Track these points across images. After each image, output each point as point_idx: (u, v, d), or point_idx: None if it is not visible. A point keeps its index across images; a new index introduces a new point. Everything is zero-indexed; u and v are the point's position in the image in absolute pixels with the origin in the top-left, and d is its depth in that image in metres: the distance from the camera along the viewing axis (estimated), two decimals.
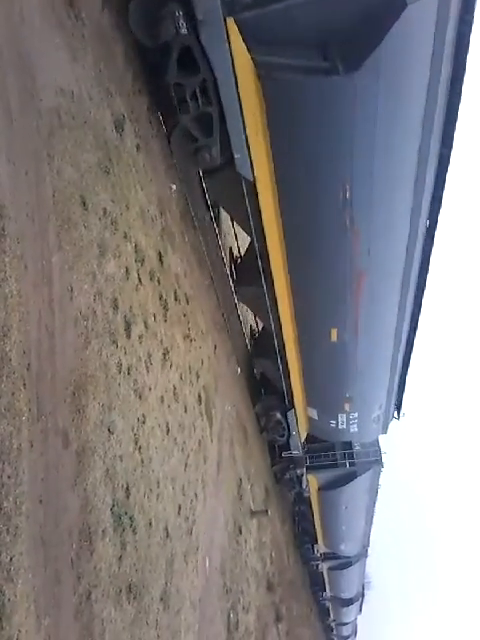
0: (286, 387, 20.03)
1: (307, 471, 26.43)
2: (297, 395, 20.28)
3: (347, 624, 54.11)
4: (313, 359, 17.83)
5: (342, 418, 20.31)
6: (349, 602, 44.99)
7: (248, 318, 22.31)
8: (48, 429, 6.54)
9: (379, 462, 26.51)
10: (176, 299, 12.69)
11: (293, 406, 21.21)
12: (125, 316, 9.20)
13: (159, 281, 11.35)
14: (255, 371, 23.21)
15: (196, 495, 12.84)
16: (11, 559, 5.59)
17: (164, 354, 11.37)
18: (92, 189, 8.32)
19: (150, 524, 9.51)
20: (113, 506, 8.03)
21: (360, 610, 52.06)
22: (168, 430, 11.17)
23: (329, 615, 50.90)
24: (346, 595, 43.33)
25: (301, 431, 22.81)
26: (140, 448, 9.40)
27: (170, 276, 12.34)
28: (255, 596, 19.18)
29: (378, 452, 26.46)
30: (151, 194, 11.51)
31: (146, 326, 10.32)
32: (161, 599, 9.71)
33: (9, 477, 5.66)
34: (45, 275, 6.73)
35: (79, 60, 8.56)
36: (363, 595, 48.27)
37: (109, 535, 7.83)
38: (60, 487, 6.72)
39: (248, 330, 22.93)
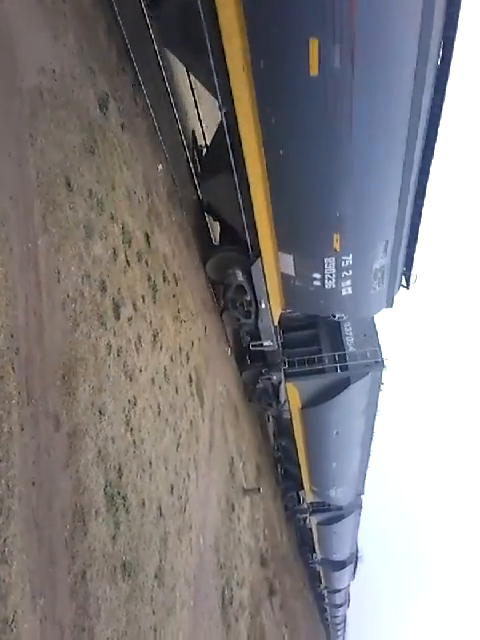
0: (247, 221, 13.60)
1: (286, 379, 20.56)
2: (264, 236, 13.88)
3: (340, 591, 50.38)
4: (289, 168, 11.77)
5: (330, 268, 13.56)
6: (341, 565, 41.81)
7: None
8: (39, 412, 6.55)
9: (380, 363, 19.75)
10: (165, 280, 12.64)
11: (259, 255, 14.57)
12: (113, 298, 9.17)
13: (147, 262, 11.29)
14: (202, 198, 16.59)
15: (188, 474, 12.96)
16: (5, 541, 5.64)
17: (154, 336, 11.37)
18: (77, 170, 8.22)
19: (143, 504, 9.61)
20: (106, 487, 8.10)
21: (354, 576, 49.01)
22: (159, 411, 11.22)
23: (320, 582, 48.32)
24: (338, 557, 40.15)
25: (274, 307, 16.50)
26: (132, 429, 9.45)
27: (158, 257, 12.28)
28: (249, 572, 19.52)
29: (378, 351, 19.99)
30: (137, 174, 11.39)
31: (135, 308, 10.29)
32: (156, 576, 9.85)
33: (0, 460, 5.69)
34: (31, 258, 6.68)
35: (60, 38, 8.39)
36: (357, 557, 45.37)
37: (102, 515, 7.91)
38: (52, 469, 6.76)
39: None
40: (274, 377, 21.03)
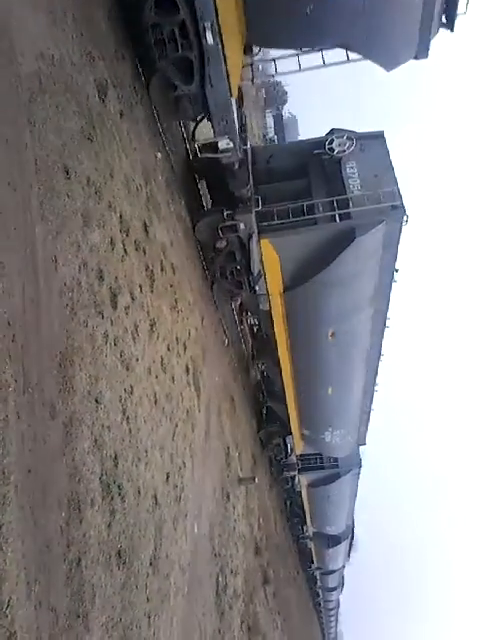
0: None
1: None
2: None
3: (333, 572, 46.59)
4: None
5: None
6: (336, 541, 37.77)
7: None
8: (35, 400, 6.55)
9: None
10: (162, 270, 12.62)
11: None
12: (111, 287, 9.15)
13: (145, 251, 11.26)
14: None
15: (184, 463, 13.02)
16: (0, 528, 5.66)
17: (151, 325, 11.36)
18: (75, 157, 8.16)
19: (139, 492, 9.64)
20: (102, 475, 8.12)
21: (349, 556, 45.88)
22: (156, 400, 11.24)
23: (312, 562, 44.90)
24: (332, 530, 36.51)
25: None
26: (128, 418, 9.46)
27: (156, 246, 12.25)
28: (243, 560, 19.67)
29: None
30: (136, 162, 11.33)
31: (132, 297, 10.27)
32: (150, 564, 9.91)
33: None
34: (28, 245, 6.65)
35: (59, 24, 8.31)
36: (353, 533, 40.98)
37: (98, 503, 7.94)
38: (48, 457, 6.77)
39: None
40: (242, 225, 14.41)
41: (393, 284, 16.31)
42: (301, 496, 32.91)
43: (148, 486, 10.20)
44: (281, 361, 19.70)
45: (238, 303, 21.14)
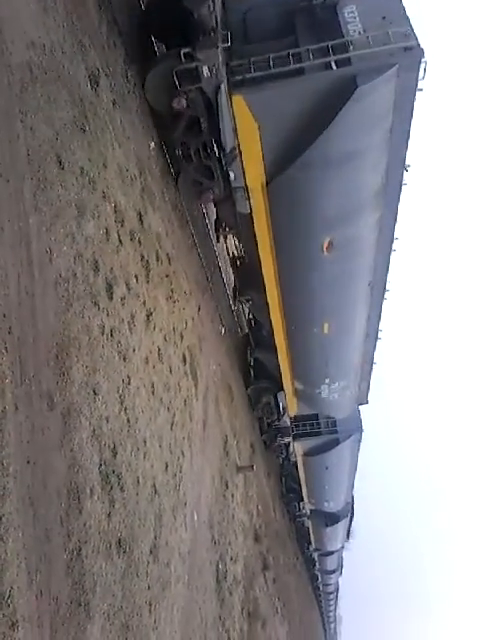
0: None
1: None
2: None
3: (332, 554, 44.24)
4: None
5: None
6: (334, 519, 35.08)
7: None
8: (32, 392, 6.56)
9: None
10: (158, 260, 12.59)
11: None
12: (106, 278, 9.13)
13: (140, 241, 11.22)
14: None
15: (183, 452, 13.08)
16: (0, 518, 5.70)
17: (147, 315, 11.36)
18: (68, 147, 8.11)
19: (138, 481, 9.70)
20: (100, 465, 8.16)
21: (348, 536, 42.98)
22: (153, 390, 11.27)
23: (309, 543, 42.44)
24: (330, 507, 33.43)
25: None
26: (126, 408, 9.49)
27: (151, 236, 12.21)
28: (242, 547, 19.83)
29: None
30: (129, 152, 11.26)
31: (128, 287, 10.26)
32: (151, 552, 10.00)
33: None
34: (23, 237, 6.63)
35: (50, 12, 8.21)
36: (352, 510, 37.80)
37: (97, 493, 7.98)
38: (47, 448, 6.80)
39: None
40: (205, 69, 10.79)
41: (405, 177, 12.94)
42: (296, 468, 29.98)
43: (147, 476, 10.25)
44: (267, 289, 16.02)
45: (215, 220, 16.96)
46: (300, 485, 31.38)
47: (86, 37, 9.46)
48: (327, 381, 20.15)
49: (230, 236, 18.49)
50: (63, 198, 7.75)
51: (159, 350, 12.00)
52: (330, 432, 25.66)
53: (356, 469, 29.94)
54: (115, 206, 9.90)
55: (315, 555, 45.44)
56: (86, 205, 8.52)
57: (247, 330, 24.37)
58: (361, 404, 23.90)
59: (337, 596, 66.90)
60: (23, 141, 6.92)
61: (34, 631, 6.24)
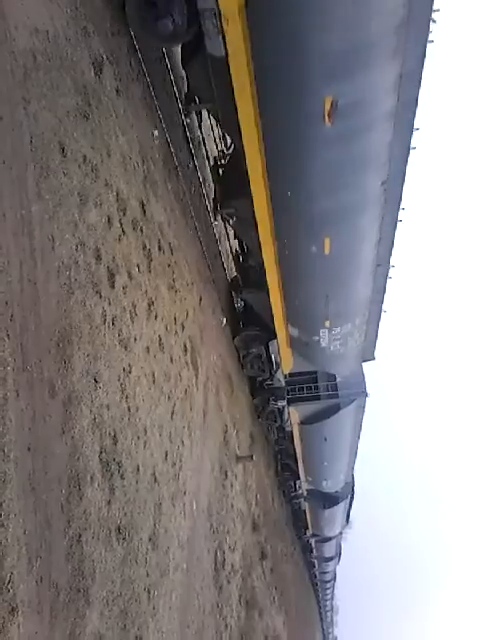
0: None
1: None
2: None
3: (330, 540, 41.11)
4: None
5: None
6: (333, 501, 32.08)
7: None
8: (34, 379, 6.59)
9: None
10: (160, 249, 12.58)
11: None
12: (108, 266, 9.13)
13: (142, 231, 11.21)
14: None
15: (183, 442, 13.14)
16: (1, 505, 5.74)
17: (149, 305, 11.37)
18: (71, 135, 8.08)
19: (138, 470, 9.76)
20: (101, 453, 8.21)
21: (348, 520, 39.70)
22: (154, 380, 11.31)
23: (307, 528, 39.41)
24: (329, 486, 30.57)
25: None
26: (127, 397, 9.53)
27: (153, 225, 12.19)
28: (241, 536, 19.98)
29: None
30: (132, 140, 11.22)
31: (130, 276, 10.26)
32: (150, 540, 10.07)
33: None
34: (25, 225, 6.62)
35: None
36: (353, 491, 34.36)
37: (98, 481, 8.04)
38: (48, 435, 6.84)
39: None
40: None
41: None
42: (292, 440, 26.57)
43: (147, 464, 10.31)
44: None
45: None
46: (296, 460, 28.55)
47: (90, 24, 9.40)
48: (327, 324, 16.58)
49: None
50: (66, 186, 7.73)
51: (160, 340, 12.03)
52: (330, 396, 22.52)
53: (359, 441, 26.61)
54: (117, 195, 9.88)
55: (312, 541, 42.53)
56: (89, 193, 8.51)
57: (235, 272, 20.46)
58: (366, 360, 20.41)
59: (334, 585, 65.91)
60: (26, 128, 6.90)
61: (34, 616, 6.31)
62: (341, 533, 41.97)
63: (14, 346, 6.22)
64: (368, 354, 19.62)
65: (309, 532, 39.82)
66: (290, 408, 23.51)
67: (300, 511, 37.75)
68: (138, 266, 10.81)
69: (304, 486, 31.95)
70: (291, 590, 38.60)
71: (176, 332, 13.62)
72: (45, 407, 6.80)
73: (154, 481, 10.63)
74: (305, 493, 32.73)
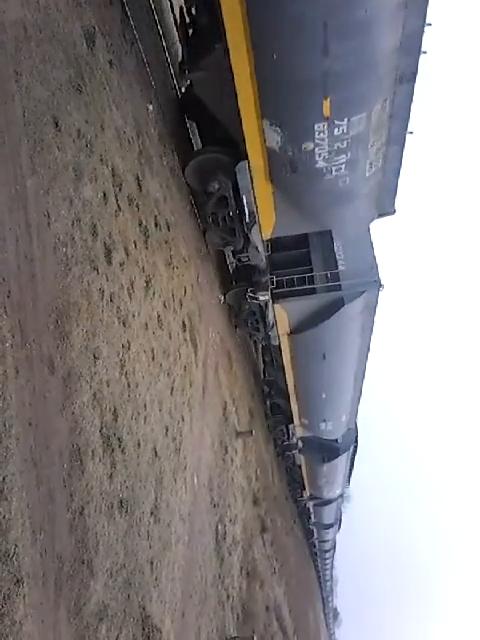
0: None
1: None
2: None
3: (330, 503, 36.46)
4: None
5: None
6: (333, 453, 27.33)
7: None
8: (33, 356, 6.61)
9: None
10: (157, 225, 12.51)
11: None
12: (105, 242, 9.09)
13: (138, 207, 11.13)
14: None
15: (183, 417, 13.24)
16: (4, 479, 5.81)
17: (147, 282, 11.35)
18: (64, 109, 7.97)
19: (138, 445, 9.85)
20: (102, 428, 8.28)
21: (348, 481, 35.24)
22: (153, 356, 11.34)
23: (303, 488, 35.15)
24: (328, 431, 25.97)
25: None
26: (126, 373, 9.57)
27: (149, 201, 12.10)
28: (242, 509, 20.27)
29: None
30: (127, 114, 11.07)
31: (127, 253, 10.22)
32: (152, 513, 10.22)
33: None
34: (20, 200, 6.57)
35: None
36: (357, 439, 29.45)
37: (99, 455, 8.12)
38: (48, 411, 6.88)
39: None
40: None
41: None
42: (281, 362, 21.35)
43: (148, 439, 10.40)
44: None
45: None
46: (287, 393, 23.14)
47: None
48: (326, 110, 11.11)
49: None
50: (60, 161, 7.65)
51: (158, 316, 12.03)
52: (329, 288, 17.24)
53: (367, 361, 20.74)
54: (113, 170, 9.79)
55: (310, 505, 37.10)
56: (83, 168, 8.43)
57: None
58: (384, 215, 14.88)
59: (334, 554, 65.10)
60: (19, 102, 6.80)
61: (39, 587, 6.42)
62: (342, 496, 36.98)
63: (12, 323, 6.23)
64: (386, 204, 14.41)
65: (306, 494, 35.03)
66: (276, 307, 18.30)
67: (295, 468, 32.27)
68: (135, 242, 10.76)
69: (298, 432, 26.72)
70: (291, 561, 39.31)
71: (174, 309, 13.62)
72: (45, 383, 6.83)
73: (155, 456, 10.74)
74: (300, 443, 27.71)
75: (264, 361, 25.80)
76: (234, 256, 18.35)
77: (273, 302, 18.32)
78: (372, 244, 17.78)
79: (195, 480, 13.92)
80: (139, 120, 11.86)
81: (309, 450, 28.21)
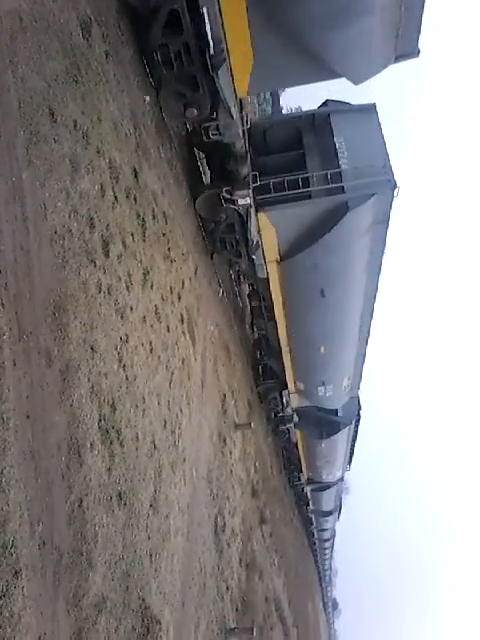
0: None
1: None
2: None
3: (329, 488, 33.78)
4: None
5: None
6: (333, 427, 24.24)
7: None
8: (30, 348, 6.59)
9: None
10: (154, 218, 12.46)
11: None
12: (102, 235, 9.05)
13: (135, 199, 11.08)
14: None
15: (181, 410, 13.25)
16: (2, 471, 5.80)
17: (144, 274, 11.32)
18: (60, 100, 7.91)
19: (137, 437, 9.85)
20: (100, 421, 8.27)
21: (349, 463, 32.03)
22: (152, 349, 11.33)
23: (300, 470, 32.56)
24: (328, 400, 22.63)
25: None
26: (124, 366, 9.56)
27: (147, 194, 12.05)
28: (240, 501, 20.32)
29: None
30: (124, 106, 11.00)
31: (125, 246, 10.19)
32: (151, 505, 10.24)
33: None
34: (16, 192, 6.53)
35: None
36: (359, 411, 25.33)
37: (97, 448, 8.12)
38: (46, 404, 6.87)
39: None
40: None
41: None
42: (269, 298, 18.03)
43: (146, 432, 10.41)
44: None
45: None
46: (278, 346, 19.58)
47: None
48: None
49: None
50: (57, 152, 7.61)
51: (156, 309, 12.01)
52: (330, 191, 13.99)
53: (377, 290, 17.05)
54: (110, 161, 9.74)
55: (308, 489, 33.98)
56: (80, 160, 8.38)
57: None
58: (402, 58, 11.55)
59: (333, 543, 63.21)
60: (14, 93, 6.75)
61: (37, 579, 6.43)
62: (342, 479, 33.31)
63: (10, 316, 6.21)
64: (407, 45, 11.15)
65: (304, 477, 31.81)
66: (262, 218, 14.81)
67: (291, 446, 28.40)
68: (132, 235, 10.72)
69: (294, 401, 23.16)
70: (290, 552, 39.49)
71: (172, 302, 13.60)
72: (43, 376, 6.82)
73: (154, 448, 10.75)
74: (295, 417, 24.32)
75: (252, 310, 21.15)
76: (200, 128, 13.12)
77: (257, 211, 14.55)
78: (383, 138, 14.20)
79: (194, 472, 13.95)
80: (136, 112, 11.79)
81: (306, 424, 24.76)
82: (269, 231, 15.10)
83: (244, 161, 14.22)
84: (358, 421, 25.65)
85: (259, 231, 15.36)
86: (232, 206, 14.78)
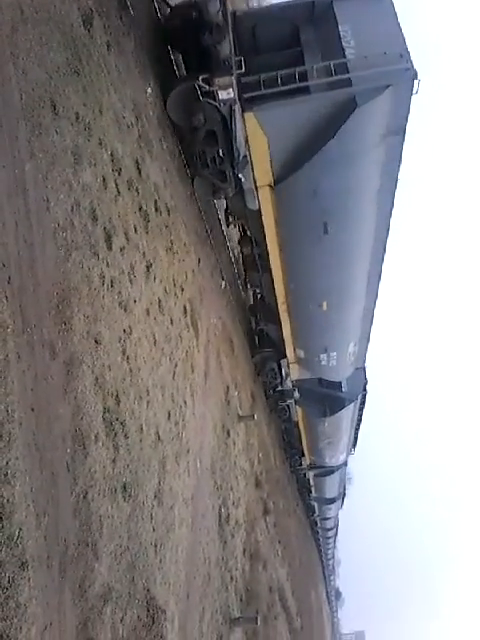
0: None
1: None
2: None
3: (332, 473, 31.46)
4: None
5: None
6: (338, 404, 21.98)
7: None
8: (34, 341, 6.61)
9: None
10: (157, 210, 12.44)
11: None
12: (105, 227, 9.05)
13: (138, 191, 11.06)
14: None
15: (185, 402, 13.29)
16: (7, 463, 5.84)
17: (147, 267, 11.32)
18: (62, 92, 7.88)
19: (141, 429, 9.89)
20: (104, 413, 8.31)
21: (354, 444, 29.73)
22: (155, 341, 11.35)
23: (302, 454, 30.69)
24: (331, 370, 20.29)
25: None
26: (128, 358, 9.58)
27: (149, 186, 12.02)
28: (244, 492, 20.42)
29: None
30: (126, 98, 10.95)
31: (127, 238, 10.18)
32: (155, 497, 10.30)
33: None
34: (19, 185, 6.53)
35: None
36: (364, 394, 23.07)
37: (102, 440, 8.16)
38: (51, 396, 6.90)
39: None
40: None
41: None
42: (267, 256, 15.93)
43: (150, 423, 10.45)
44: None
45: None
46: (275, 303, 17.23)
47: None
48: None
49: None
50: (59, 145, 7.59)
51: (160, 301, 12.02)
52: (333, 85, 11.65)
53: (390, 219, 14.14)
54: (112, 154, 9.71)
55: (310, 475, 32.02)
56: (82, 152, 8.36)
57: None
58: None
59: (337, 533, 62.57)
60: (16, 85, 6.72)
61: (43, 570, 6.49)
62: (346, 464, 30.96)
63: (13, 308, 6.22)
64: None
65: (306, 461, 29.80)
66: (249, 120, 12.09)
67: (291, 426, 26.19)
68: (135, 227, 10.71)
69: (293, 373, 20.77)
70: (294, 542, 39.69)
71: (176, 294, 13.61)
72: (47, 368, 6.84)
73: (158, 440, 10.80)
74: (296, 392, 22.10)
75: (244, 260, 18.48)
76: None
77: (243, 111, 11.79)
78: (399, 24, 11.61)
79: (198, 464, 14.01)
80: (138, 103, 11.74)
81: (307, 400, 22.38)
82: (260, 141, 12.19)
83: (223, 33, 11.27)
84: (364, 396, 22.91)
85: (247, 141, 12.43)
86: (211, 102, 11.69)
